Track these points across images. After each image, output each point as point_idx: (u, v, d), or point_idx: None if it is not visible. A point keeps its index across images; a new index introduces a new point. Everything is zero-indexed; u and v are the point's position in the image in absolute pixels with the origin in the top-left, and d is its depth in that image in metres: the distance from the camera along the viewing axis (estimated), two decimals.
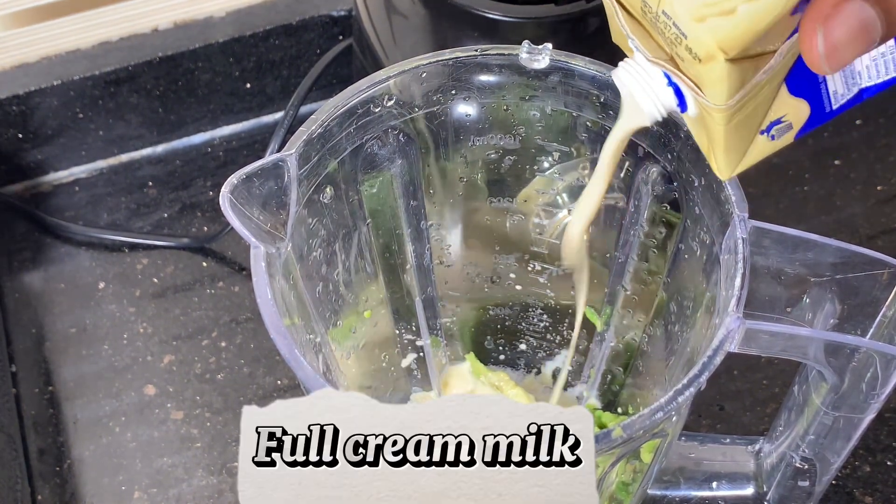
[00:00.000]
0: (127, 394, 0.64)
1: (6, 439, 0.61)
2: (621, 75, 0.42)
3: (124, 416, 0.63)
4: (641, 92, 0.41)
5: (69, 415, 0.63)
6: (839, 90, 0.37)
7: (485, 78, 0.49)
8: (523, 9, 0.59)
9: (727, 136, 0.38)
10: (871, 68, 0.37)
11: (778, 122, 0.38)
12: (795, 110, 0.38)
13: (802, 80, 0.37)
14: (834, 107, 0.38)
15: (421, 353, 0.59)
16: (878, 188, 0.72)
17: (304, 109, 0.67)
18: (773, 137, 0.38)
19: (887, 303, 0.44)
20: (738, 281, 0.42)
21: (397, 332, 0.58)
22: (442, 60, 0.48)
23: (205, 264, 0.70)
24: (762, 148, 0.38)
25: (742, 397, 0.63)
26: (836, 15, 0.32)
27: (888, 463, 0.60)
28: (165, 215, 0.72)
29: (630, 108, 0.43)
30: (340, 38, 0.74)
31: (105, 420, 0.63)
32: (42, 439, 0.63)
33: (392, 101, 0.49)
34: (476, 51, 0.48)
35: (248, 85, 0.75)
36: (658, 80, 0.40)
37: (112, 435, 0.63)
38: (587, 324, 0.58)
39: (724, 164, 0.39)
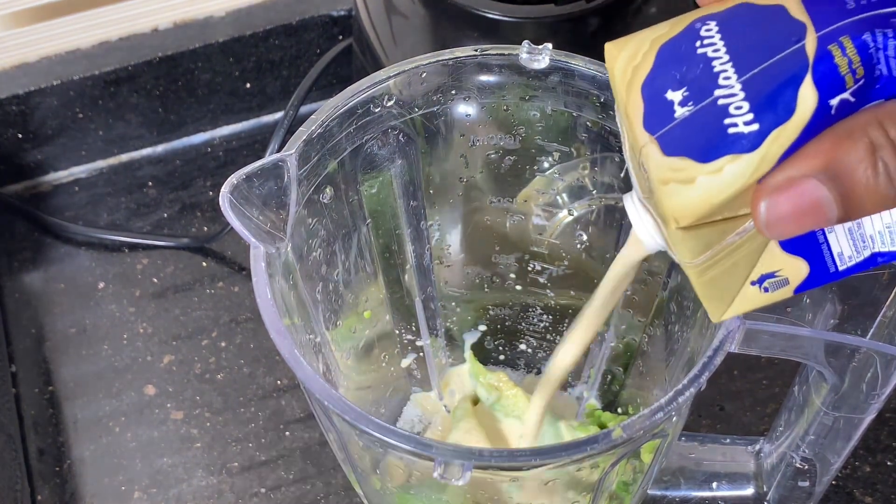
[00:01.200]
0: (127, 394, 0.64)
1: (6, 439, 0.61)
2: (626, 204, 0.41)
3: (124, 416, 0.63)
4: (640, 224, 0.40)
5: (69, 415, 0.63)
6: (846, 252, 0.37)
7: (485, 78, 0.49)
8: (523, 9, 0.59)
9: (702, 288, 0.37)
10: (885, 235, 0.36)
11: (771, 275, 0.37)
12: (792, 267, 0.37)
13: (797, 239, 0.36)
14: (841, 268, 0.37)
15: (421, 354, 0.59)
16: None
17: (304, 109, 0.67)
18: (766, 290, 0.37)
19: (887, 303, 0.44)
20: None
21: (397, 332, 0.58)
22: (442, 60, 0.48)
23: (205, 264, 0.70)
24: (754, 299, 0.38)
25: (742, 397, 0.63)
26: (786, 189, 0.32)
27: (888, 463, 0.60)
28: (165, 215, 0.72)
29: (633, 236, 0.42)
30: (340, 38, 0.74)
31: (105, 420, 0.63)
32: (42, 439, 0.62)
33: (392, 101, 0.49)
34: (476, 51, 0.48)
35: (248, 85, 0.75)
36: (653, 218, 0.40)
37: (112, 435, 0.63)
38: None
39: (710, 311, 0.39)
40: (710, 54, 0.33)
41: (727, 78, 0.33)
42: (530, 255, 0.56)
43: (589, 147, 0.51)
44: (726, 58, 0.33)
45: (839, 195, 0.32)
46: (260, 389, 0.64)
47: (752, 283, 0.37)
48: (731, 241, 0.35)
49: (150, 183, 0.74)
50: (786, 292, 0.38)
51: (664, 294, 0.52)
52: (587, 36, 0.60)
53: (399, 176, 0.51)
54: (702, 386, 0.40)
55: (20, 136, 0.71)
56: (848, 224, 0.36)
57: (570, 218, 0.53)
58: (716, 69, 0.33)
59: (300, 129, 0.46)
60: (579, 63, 0.48)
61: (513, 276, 0.58)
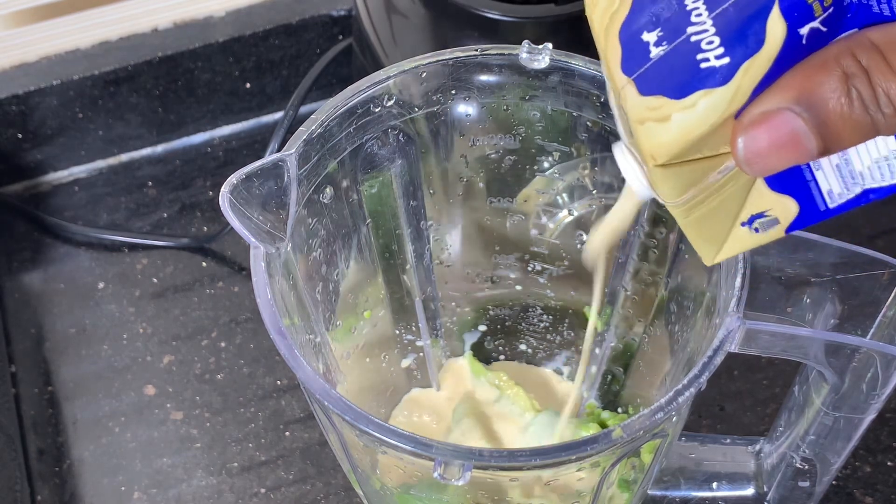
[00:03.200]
0: (127, 394, 0.64)
1: (6, 439, 0.61)
2: (615, 153, 0.41)
3: (124, 417, 0.63)
4: (628, 170, 0.40)
5: (69, 415, 0.63)
6: (835, 189, 0.37)
7: (485, 78, 0.49)
8: (523, 9, 0.59)
9: (690, 229, 0.38)
10: (875, 170, 0.36)
11: (760, 215, 0.37)
12: (781, 206, 0.37)
13: (784, 177, 0.36)
14: (831, 205, 0.37)
15: (421, 354, 0.59)
16: None
17: (304, 109, 0.67)
18: (756, 230, 0.38)
19: (888, 303, 0.44)
20: (738, 281, 0.42)
21: (397, 332, 0.58)
22: (442, 60, 0.48)
23: (204, 264, 0.70)
24: (745, 240, 0.38)
25: (742, 397, 0.63)
26: (764, 122, 0.32)
27: (888, 463, 0.60)
28: (165, 215, 0.72)
29: (625, 187, 0.42)
30: (340, 38, 0.74)
31: (105, 420, 0.63)
32: (42, 440, 0.62)
33: (392, 101, 0.49)
34: (476, 51, 0.48)
35: (248, 85, 0.75)
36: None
37: (112, 435, 0.62)
38: (587, 324, 0.58)
39: (702, 254, 0.39)
40: None
41: (699, 15, 0.33)
42: (530, 255, 0.56)
43: (589, 147, 0.51)
44: None
45: (815, 126, 0.32)
46: (260, 389, 0.64)
47: (742, 224, 0.38)
48: (714, 180, 0.36)
49: (150, 183, 0.74)
50: (777, 232, 0.38)
51: (664, 294, 0.52)
52: (587, 36, 0.60)
53: (399, 176, 0.51)
54: (702, 386, 0.40)
55: (20, 136, 0.71)
56: (835, 160, 0.36)
57: (570, 218, 0.53)
58: (688, 7, 0.33)
59: (300, 128, 0.46)
60: (579, 63, 0.48)
61: (513, 276, 0.58)
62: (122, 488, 0.61)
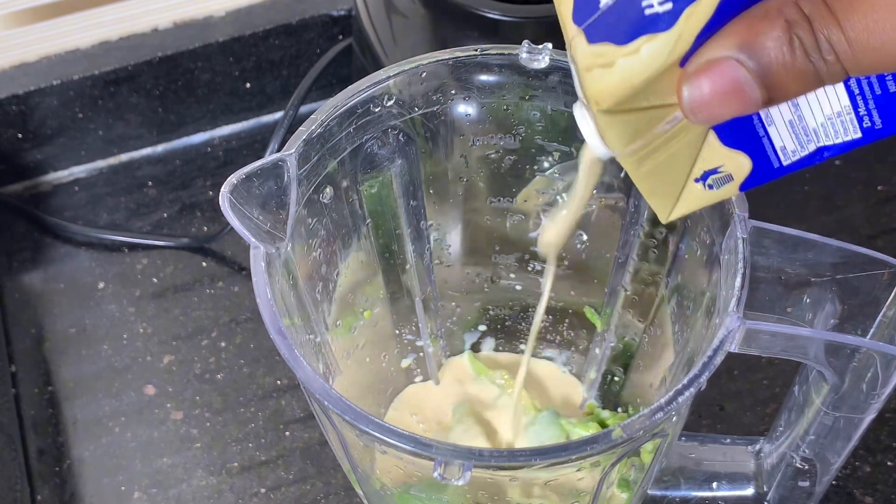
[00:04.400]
0: (127, 394, 0.64)
1: (6, 439, 0.61)
2: (575, 110, 0.41)
3: (124, 416, 0.63)
4: (584, 124, 0.40)
5: (69, 415, 0.63)
6: (788, 146, 0.37)
7: (485, 78, 0.49)
8: (523, 9, 0.59)
9: (642, 182, 0.38)
10: (828, 127, 0.36)
11: (714, 171, 0.37)
12: (733, 162, 0.37)
13: (735, 132, 0.37)
14: (785, 162, 0.37)
15: (421, 354, 0.59)
16: (879, 188, 0.72)
17: (303, 109, 0.67)
18: (710, 187, 0.38)
19: (888, 303, 0.44)
20: (738, 281, 0.42)
21: (397, 332, 0.58)
22: (442, 60, 0.48)
23: (205, 264, 0.70)
24: (700, 196, 0.38)
25: (742, 397, 0.63)
26: (707, 70, 0.32)
27: (888, 463, 0.60)
28: (165, 215, 0.72)
29: (584, 147, 0.43)
30: (340, 37, 0.74)
31: (105, 420, 0.63)
32: (42, 439, 0.62)
33: (392, 101, 0.49)
34: (476, 51, 0.48)
35: (248, 85, 0.75)
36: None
37: (112, 435, 0.62)
38: (587, 324, 0.58)
39: (657, 209, 0.39)
40: None
41: None
42: (530, 255, 0.56)
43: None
44: None
45: (759, 75, 0.32)
46: (260, 389, 0.64)
47: (696, 181, 0.38)
48: (662, 130, 0.36)
49: (150, 183, 0.74)
50: (731, 189, 0.38)
51: (664, 294, 0.52)
52: None
53: (399, 176, 0.51)
54: (702, 386, 0.40)
55: (20, 136, 0.71)
56: (788, 116, 0.36)
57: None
58: None
59: (300, 128, 0.46)
60: None
61: (513, 276, 0.58)
62: (122, 488, 0.61)
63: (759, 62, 0.32)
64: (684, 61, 0.33)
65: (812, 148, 0.37)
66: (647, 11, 0.33)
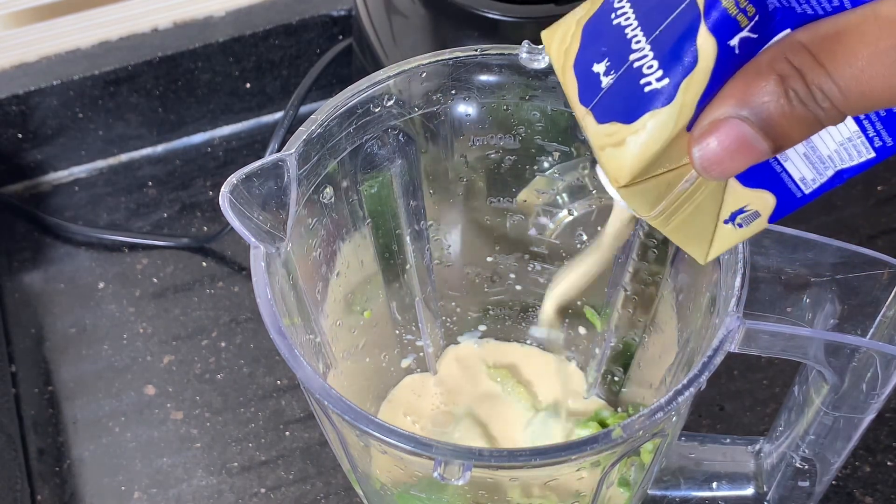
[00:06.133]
0: (127, 394, 0.64)
1: (6, 439, 0.61)
2: (599, 174, 0.42)
3: (124, 416, 0.63)
4: (611, 190, 0.41)
5: (69, 415, 0.63)
6: (807, 175, 0.38)
7: (485, 78, 0.49)
8: (523, 9, 0.59)
9: (674, 235, 0.39)
10: (842, 153, 0.37)
11: (741, 211, 0.39)
12: (758, 200, 0.39)
13: (754, 174, 0.38)
14: (807, 191, 0.38)
15: (421, 354, 0.59)
16: (879, 188, 0.72)
17: (304, 109, 0.67)
18: (739, 225, 0.39)
19: (887, 303, 0.44)
20: (738, 281, 0.42)
21: (397, 332, 0.58)
22: (442, 60, 0.48)
23: (205, 264, 0.70)
24: (732, 235, 0.39)
25: (742, 397, 0.63)
26: (711, 132, 0.34)
27: (888, 463, 0.60)
28: (165, 215, 0.72)
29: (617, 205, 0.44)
30: (340, 38, 0.74)
31: (105, 420, 0.63)
32: (42, 439, 0.62)
33: (392, 101, 0.49)
34: (476, 51, 0.48)
35: (248, 85, 0.75)
36: None
37: (112, 435, 0.63)
38: (587, 324, 0.58)
39: (693, 254, 0.40)
40: (623, 23, 0.35)
41: (638, 42, 0.35)
42: (530, 255, 0.56)
43: (589, 147, 0.51)
44: (636, 24, 0.35)
45: (762, 128, 0.33)
46: (260, 389, 0.64)
47: (725, 222, 0.39)
48: (682, 189, 0.37)
49: (150, 183, 0.74)
50: (760, 224, 0.39)
51: (664, 294, 0.52)
52: None
53: (399, 176, 0.51)
54: (702, 386, 0.40)
55: (20, 136, 0.71)
56: (802, 149, 0.37)
57: (570, 218, 0.53)
58: (628, 36, 0.35)
59: (300, 128, 0.46)
60: None
61: (513, 276, 0.58)
62: (122, 488, 0.61)
63: (759, 116, 0.33)
64: (690, 125, 0.34)
65: (830, 174, 0.38)
66: (647, 89, 0.34)
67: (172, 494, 0.60)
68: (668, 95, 0.34)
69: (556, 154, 0.52)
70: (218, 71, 0.73)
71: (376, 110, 0.48)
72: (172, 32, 0.73)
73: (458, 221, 0.55)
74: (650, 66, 0.34)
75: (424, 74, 0.49)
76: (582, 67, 0.37)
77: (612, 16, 0.36)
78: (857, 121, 0.36)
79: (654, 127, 0.34)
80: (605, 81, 0.36)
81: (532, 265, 0.57)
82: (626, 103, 0.35)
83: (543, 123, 0.51)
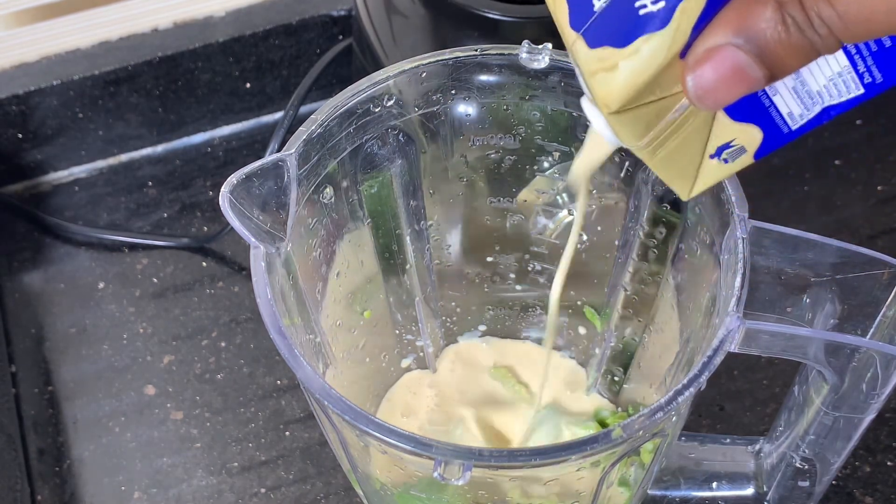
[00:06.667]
0: (127, 394, 0.64)
1: (6, 439, 0.61)
2: (584, 105, 0.41)
3: (124, 416, 0.63)
4: (596, 119, 0.40)
5: (69, 415, 0.63)
6: (795, 111, 0.38)
7: (485, 78, 0.49)
8: (523, 9, 0.59)
9: (659, 168, 0.39)
10: (831, 88, 0.37)
11: (727, 146, 0.38)
12: (745, 134, 0.38)
13: (743, 106, 0.37)
14: (793, 127, 0.38)
15: (421, 354, 0.59)
16: (879, 188, 0.72)
17: (304, 109, 0.67)
18: (725, 161, 0.39)
19: (887, 303, 0.44)
20: (738, 281, 0.42)
21: (397, 332, 0.58)
22: (442, 60, 0.48)
23: (205, 264, 0.70)
24: (716, 171, 0.39)
25: (742, 397, 0.63)
26: (707, 59, 0.33)
27: (888, 463, 0.60)
28: (165, 215, 0.72)
29: (594, 135, 0.43)
30: (340, 38, 0.74)
31: (105, 420, 0.63)
32: (42, 439, 0.62)
33: (392, 101, 0.49)
34: (476, 51, 0.48)
35: (248, 85, 0.75)
36: None
37: (112, 435, 0.63)
38: (587, 324, 0.58)
39: (677, 189, 0.40)
40: None
41: None
42: (530, 255, 0.56)
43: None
44: None
45: (757, 56, 0.33)
46: (260, 389, 0.64)
47: (711, 157, 0.39)
48: (672, 119, 0.37)
49: (150, 183, 0.74)
50: (746, 160, 0.39)
51: (664, 294, 0.52)
52: None
53: (399, 176, 0.51)
54: (702, 386, 0.40)
55: (20, 136, 0.71)
56: (791, 83, 0.37)
57: (570, 218, 0.53)
58: None
59: (300, 128, 0.46)
60: None
61: (513, 276, 0.58)
62: (123, 488, 0.61)
63: (756, 44, 0.33)
64: (684, 53, 0.34)
65: (818, 109, 0.38)
66: (642, 12, 0.34)
67: (172, 494, 0.60)
68: (664, 19, 0.33)
69: (556, 154, 0.52)
70: (218, 71, 0.73)
71: (376, 110, 0.48)
72: (172, 32, 0.73)
73: (458, 221, 0.55)
74: None
75: (424, 74, 0.49)
76: None
77: None
78: (849, 56, 0.36)
79: (648, 51, 0.34)
80: (598, 5, 0.35)
81: (532, 265, 0.57)
82: (620, 27, 0.34)
83: (543, 123, 0.51)
